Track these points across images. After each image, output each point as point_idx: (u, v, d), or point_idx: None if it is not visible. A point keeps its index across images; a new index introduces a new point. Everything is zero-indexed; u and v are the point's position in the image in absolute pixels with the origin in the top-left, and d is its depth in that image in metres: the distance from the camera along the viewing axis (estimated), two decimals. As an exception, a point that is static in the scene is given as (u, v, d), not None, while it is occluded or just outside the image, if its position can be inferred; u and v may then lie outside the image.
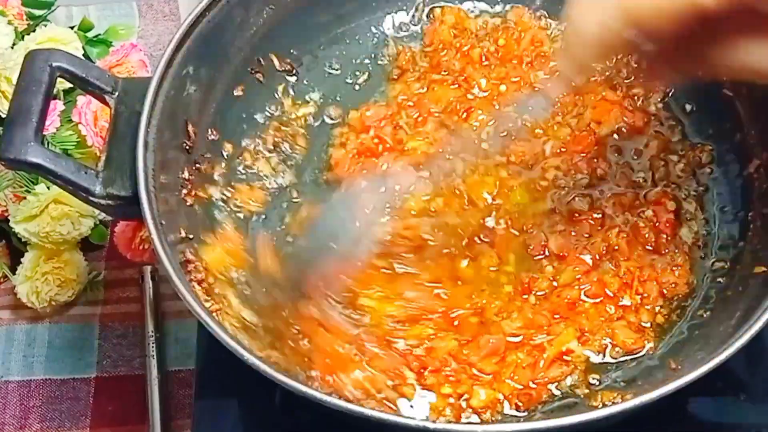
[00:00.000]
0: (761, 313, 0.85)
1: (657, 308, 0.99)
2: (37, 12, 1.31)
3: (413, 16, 1.20)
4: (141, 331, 1.14)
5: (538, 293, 0.99)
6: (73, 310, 1.19)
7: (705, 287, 1.00)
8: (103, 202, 0.93)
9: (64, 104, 1.18)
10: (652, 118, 1.10)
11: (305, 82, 1.16)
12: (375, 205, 1.01)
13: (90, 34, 1.32)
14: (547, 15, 1.17)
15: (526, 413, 0.93)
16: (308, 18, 1.14)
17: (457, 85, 1.14)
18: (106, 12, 1.43)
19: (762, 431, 0.96)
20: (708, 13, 0.72)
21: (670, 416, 0.95)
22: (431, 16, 1.20)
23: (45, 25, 1.26)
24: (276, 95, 1.14)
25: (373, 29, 1.19)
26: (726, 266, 1.01)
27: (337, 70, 1.17)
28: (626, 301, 0.98)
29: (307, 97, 1.15)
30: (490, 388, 0.93)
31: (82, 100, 1.14)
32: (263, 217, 1.07)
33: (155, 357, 1.11)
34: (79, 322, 1.18)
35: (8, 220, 1.14)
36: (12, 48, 1.20)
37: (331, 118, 1.14)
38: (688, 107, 1.11)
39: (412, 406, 0.93)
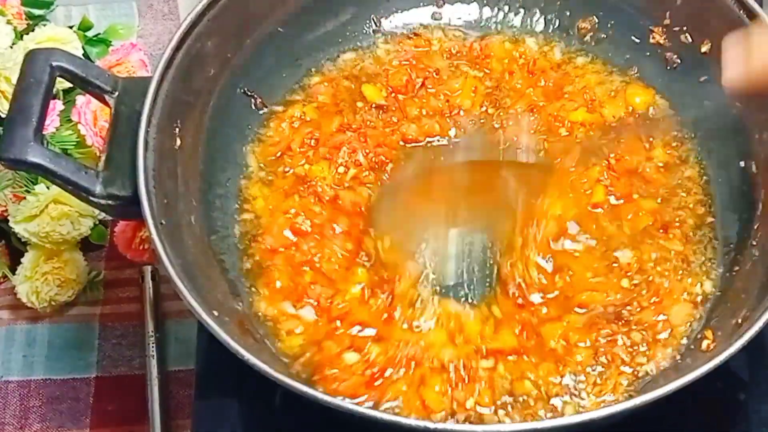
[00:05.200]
0: (761, 313, 0.85)
1: None
2: (37, 12, 1.31)
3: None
4: (141, 331, 1.14)
5: None
6: (73, 310, 1.19)
7: None
8: (103, 202, 0.92)
9: (64, 104, 1.17)
10: None
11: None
12: None
13: (89, 34, 1.32)
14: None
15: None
16: (309, 22, 1.14)
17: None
18: (106, 12, 1.43)
19: (762, 431, 0.97)
20: None
21: (671, 416, 0.95)
22: None
23: (44, 25, 1.26)
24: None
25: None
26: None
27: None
28: None
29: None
30: None
31: (81, 99, 1.14)
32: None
33: (155, 357, 1.11)
34: (79, 322, 1.18)
35: (8, 220, 1.14)
36: (11, 48, 1.20)
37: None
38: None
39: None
